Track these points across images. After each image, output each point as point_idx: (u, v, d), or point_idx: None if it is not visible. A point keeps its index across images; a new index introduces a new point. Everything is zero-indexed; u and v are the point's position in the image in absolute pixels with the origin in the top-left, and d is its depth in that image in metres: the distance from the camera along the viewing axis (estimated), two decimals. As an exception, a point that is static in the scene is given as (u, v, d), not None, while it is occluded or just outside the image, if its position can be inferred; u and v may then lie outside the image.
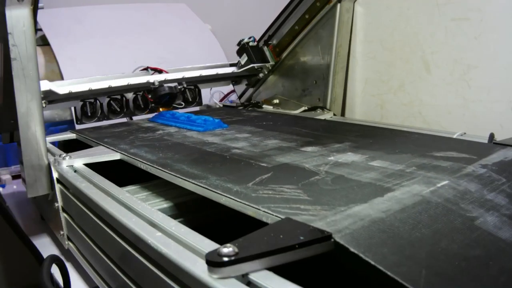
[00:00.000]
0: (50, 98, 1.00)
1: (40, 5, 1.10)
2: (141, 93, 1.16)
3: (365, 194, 0.52)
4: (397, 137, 0.83)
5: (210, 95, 1.42)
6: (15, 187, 1.24)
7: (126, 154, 0.78)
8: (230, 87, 1.48)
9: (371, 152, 0.71)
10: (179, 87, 1.20)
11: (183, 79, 1.22)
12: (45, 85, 0.97)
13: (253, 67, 1.30)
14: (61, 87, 1.03)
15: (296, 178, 0.58)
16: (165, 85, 1.17)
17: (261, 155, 0.72)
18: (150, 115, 1.17)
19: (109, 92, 1.12)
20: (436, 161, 0.65)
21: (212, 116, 1.02)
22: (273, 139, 0.83)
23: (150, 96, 1.17)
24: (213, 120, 0.98)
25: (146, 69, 1.23)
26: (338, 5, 1.15)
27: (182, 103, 1.23)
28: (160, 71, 1.22)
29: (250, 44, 1.30)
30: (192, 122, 0.99)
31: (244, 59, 1.31)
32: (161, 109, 1.20)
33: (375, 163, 0.65)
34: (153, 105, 1.18)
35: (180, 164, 0.68)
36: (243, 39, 1.30)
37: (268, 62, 1.31)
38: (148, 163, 0.71)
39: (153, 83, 1.16)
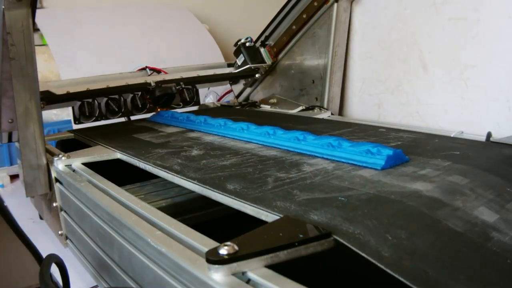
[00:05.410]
0: (48, 99, 1.00)
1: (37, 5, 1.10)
2: (139, 94, 1.16)
3: None
4: None
5: (208, 94, 1.42)
6: (13, 187, 1.24)
7: (125, 153, 0.78)
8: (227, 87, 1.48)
9: None
10: (177, 87, 1.19)
11: (181, 79, 1.22)
12: (43, 86, 0.97)
13: (250, 67, 1.30)
14: (58, 88, 1.03)
15: None
16: (163, 85, 1.17)
17: None
18: (148, 115, 1.17)
19: (108, 93, 1.12)
20: None
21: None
22: None
23: (148, 97, 1.16)
24: (393, 151, 0.61)
25: (144, 68, 1.23)
26: (335, 4, 1.15)
27: (181, 103, 1.22)
28: (158, 71, 1.22)
29: (247, 44, 1.30)
30: (354, 152, 0.63)
31: (241, 59, 1.31)
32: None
33: None
34: (151, 105, 1.18)
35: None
36: (240, 40, 1.30)
37: (265, 62, 1.32)
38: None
39: (149, 84, 1.16)
